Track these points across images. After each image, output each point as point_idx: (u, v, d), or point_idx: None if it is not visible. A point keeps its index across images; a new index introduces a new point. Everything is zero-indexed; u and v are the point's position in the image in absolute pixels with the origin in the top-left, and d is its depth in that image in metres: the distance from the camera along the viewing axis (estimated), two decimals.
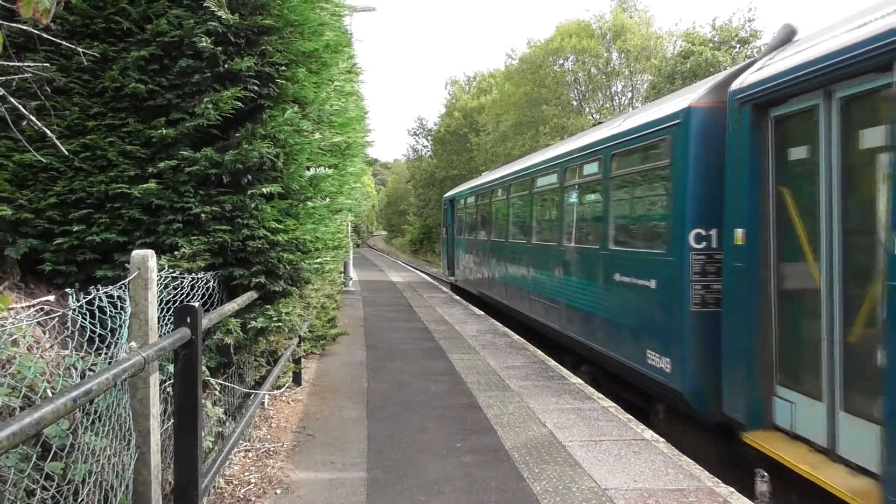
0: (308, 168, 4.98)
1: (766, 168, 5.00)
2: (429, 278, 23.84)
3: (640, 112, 7.68)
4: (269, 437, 5.33)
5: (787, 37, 5.55)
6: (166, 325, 3.25)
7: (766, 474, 4.78)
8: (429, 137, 57.22)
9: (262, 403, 5.88)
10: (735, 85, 5.37)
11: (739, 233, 5.14)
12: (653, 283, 6.41)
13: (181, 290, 3.65)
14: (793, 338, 4.83)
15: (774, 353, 4.94)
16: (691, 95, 6.14)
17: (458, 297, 16.42)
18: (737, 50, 25.26)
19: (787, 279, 4.90)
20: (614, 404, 6.44)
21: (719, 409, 5.40)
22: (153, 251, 2.91)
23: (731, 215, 5.28)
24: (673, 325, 5.96)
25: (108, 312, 2.67)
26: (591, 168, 8.30)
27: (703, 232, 5.72)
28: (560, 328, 9.33)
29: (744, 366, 5.08)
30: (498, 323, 11.98)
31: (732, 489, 4.36)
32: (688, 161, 5.85)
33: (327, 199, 5.49)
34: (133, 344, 2.72)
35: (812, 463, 4.28)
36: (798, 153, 4.83)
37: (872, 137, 4.09)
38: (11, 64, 3.18)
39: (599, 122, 10.73)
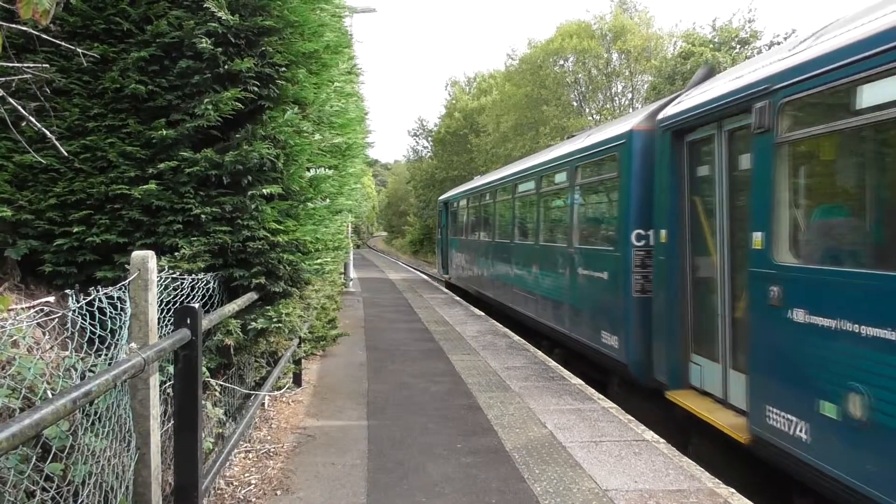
0: (308, 169, 4.98)
1: (683, 181, 6.25)
2: (429, 279, 23.84)
3: (599, 130, 8.98)
4: (269, 437, 5.33)
5: (705, 76, 6.76)
6: (166, 326, 3.25)
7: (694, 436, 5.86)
8: (429, 138, 57.25)
9: (263, 404, 5.88)
10: (661, 114, 6.64)
11: (663, 232, 6.40)
12: (605, 275, 7.67)
13: (181, 291, 3.64)
14: (702, 315, 6.04)
15: (689, 327, 6.16)
16: (633, 120, 7.33)
17: (458, 298, 16.44)
18: (737, 51, 25.29)
19: (698, 269, 6.12)
20: (615, 405, 6.44)
21: (652, 375, 6.64)
22: (153, 252, 2.91)
23: (658, 218, 6.54)
24: (619, 308, 7.18)
25: (108, 313, 2.67)
26: (561, 177, 9.65)
27: (642, 232, 6.94)
28: (536, 317, 10.61)
29: (667, 339, 6.29)
30: (498, 324, 11.98)
31: (733, 490, 4.36)
32: (630, 174, 7.06)
33: (327, 200, 5.49)
34: (133, 345, 2.72)
35: (711, 410, 5.53)
36: (703, 170, 6.08)
37: (745, 161, 5.25)
38: (11, 65, 3.18)
39: (572, 136, 11.70)
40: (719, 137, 5.67)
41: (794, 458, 4.30)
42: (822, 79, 4.16)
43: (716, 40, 26.37)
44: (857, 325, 3.74)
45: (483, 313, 13.46)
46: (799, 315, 4.25)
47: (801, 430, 4.25)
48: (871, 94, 3.82)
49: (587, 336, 8.17)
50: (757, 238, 4.74)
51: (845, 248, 4.27)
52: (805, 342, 4.21)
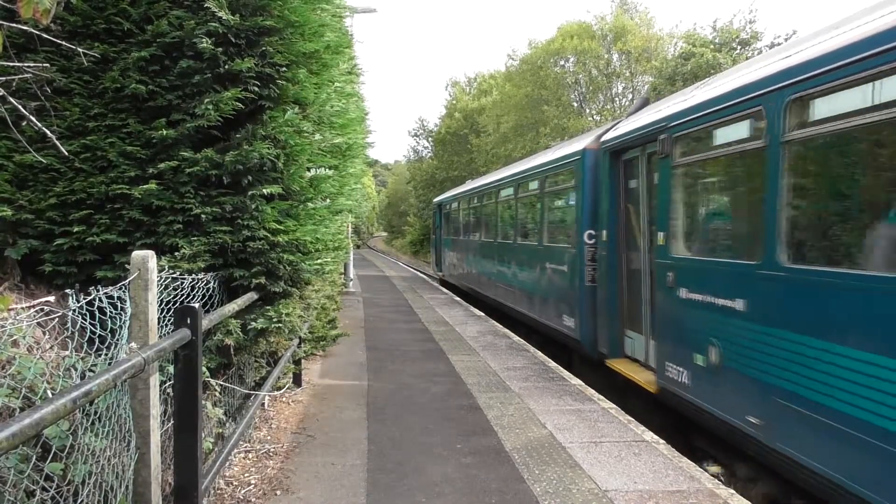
0: (308, 169, 4.98)
1: (619, 191, 7.84)
2: (427, 278, 23.83)
3: (562, 147, 10.88)
4: (269, 438, 5.32)
5: (641, 105, 8.36)
6: (166, 325, 3.25)
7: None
8: (429, 138, 57.24)
9: (263, 404, 5.88)
10: (604, 137, 8.29)
11: (605, 233, 8.01)
12: (566, 268, 9.28)
13: (181, 290, 3.64)
14: (632, 298, 7.56)
15: (624, 308, 7.76)
16: (587, 140, 8.97)
17: (458, 299, 16.46)
18: (738, 51, 25.27)
19: (630, 262, 7.67)
20: (614, 405, 6.44)
21: (598, 349, 8.22)
22: (153, 252, 2.91)
23: (602, 221, 8.11)
24: (575, 295, 8.78)
25: (109, 313, 2.67)
26: (534, 185, 11.33)
27: (593, 232, 8.44)
28: (514, 306, 12.32)
29: (608, 318, 7.91)
30: (498, 325, 11.98)
31: (732, 491, 4.36)
32: (584, 184, 8.60)
33: (328, 201, 5.49)
34: (133, 345, 2.72)
35: (636, 371, 7.09)
36: (633, 184, 7.63)
37: (656, 178, 6.68)
38: (12, 64, 3.18)
39: (549, 147, 14.36)
40: (642, 158, 7.24)
41: (683, 399, 5.78)
42: (696, 122, 5.73)
43: (716, 41, 26.35)
44: (714, 298, 5.27)
45: (483, 314, 13.47)
46: (683, 293, 5.80)
47: (685, 378, 5.74)
48: (723, 135, 5.42)
49: (553, 320, 9.81)
50: (661, 236, 6.32)
51: (712, 245, 5.79)
52: (686, 312, 5.77)
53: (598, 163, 8.33)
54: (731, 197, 5.70)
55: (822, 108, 4.28)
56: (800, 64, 4.40)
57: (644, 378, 6.74)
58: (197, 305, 3.06)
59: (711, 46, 25.54)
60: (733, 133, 5.22)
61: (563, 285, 9.33)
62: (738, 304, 4.93)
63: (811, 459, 4.10)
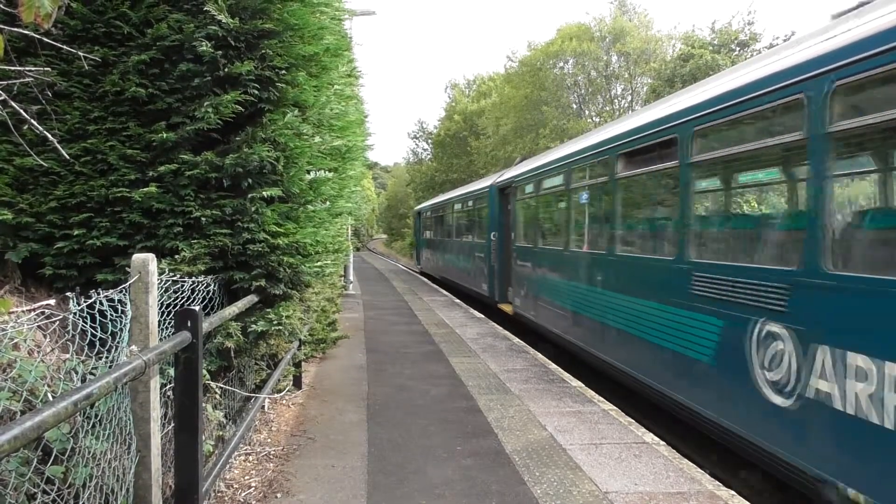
0: (308, 171, 4.98)
1: (502, 211, 14.38)
2: (427, 280, 23.83)
3: (483, 181, 18.50)
4: (269, 440, 5.33)
5: (521, 160, 15.86)
6: (167, 328, 3.26)
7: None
8: (429, 140, 57.27)
9: (263, 407, 5.88)
10: (495, 179, 15.60)
11: (495, 234, 14.75)
12: (483, 254, 15.92)
13: (182, 293, 3.65)
14: (508, 269, 13.48)
15: (506, 275, 13.85)
16: (493, 178, 16.19)
17: (458, 301, 16.49)
18: (736, 53, 25.30)
19: (507, 250, 13.71)
20: (615, 407, 6.44)
21: (496, 300, 14.49)
22: (154, 255, 2.91)
23: (496, 227, 14.76)
24: (488, 270, 15.21)
25: (109, 316, 2.68)
26: (468, 204, 18.72)
27: (496, 233, 14.70)
28: (459, 281, 19.56)
29: (500, 281, 14.39)
30: (498, 326, 12.00)
31: (733, 492, 4.36)
32: (492, 205, 15.16)
33: (327, 203, 5.50)
34: (134, 347, 2.73)
35: (509, 308, 13.28)
36: (508, 206, 13.81)
37: (512, 204, 13.39)
38: (12, 68, 3.19)
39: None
40: (512, 193, 13.28)
41: (523, 315, 11.83)
42: (523, 180, 12.23)
43: (715, 42, 26.39)
44: (523, 262, 11.90)
45: (483, 315, 13.50)
46: (517, 263, 12.38)
47: (523, 305, 11.87)
48: (530, 188, 11.72)
49: (479, 287, 16.39)
50: (513, 235, 13.00)
51: (527, 238, 11.91)
52: (520, 272, 12.07)
53: (493, 194, 15.05)
54: (535, 216, 11.61)
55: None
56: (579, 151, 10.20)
57: (511, 310, 12.96)
58: (197, 308, 3.06)
59: (710, 48, 25.58)
60: (543, 185, 10.88)
61: (481, 265, 16.20)
62: (528, 265, 11.54)
63: (554, 328, 10.03)
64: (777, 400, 4.37)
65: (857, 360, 3.69)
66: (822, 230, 4.03)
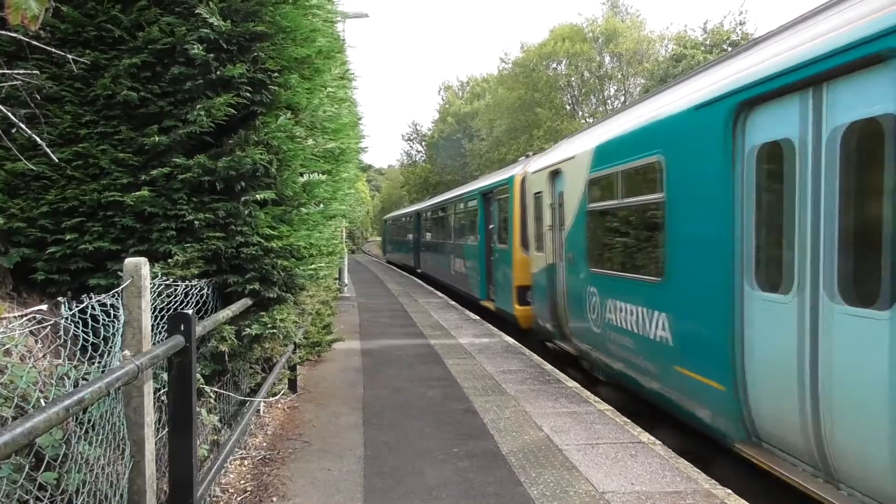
0: (302, 174, 4.97)
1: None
2: (422, 281, 23.80)
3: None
4: (264, 444, 5.30)
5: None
6: (160, 333, 3.24)
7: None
8: (423, 142, 57.32)
9: (258, 411, 5.86)
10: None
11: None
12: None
13: (175, 297, 3.63)
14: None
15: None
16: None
17: (453, 303, 16.50)
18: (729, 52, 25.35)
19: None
20: (611, 407, 6.45)
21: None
22: (146, 259, 2.90)
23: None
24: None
25: (102, 321, 2.66)
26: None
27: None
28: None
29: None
30: (493, 327, 11.99)
31: (730, 491, 4.37)
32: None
33: (321, 205, 5.48)
34: (126, 352, 2.71)
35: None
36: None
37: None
38: (1, 72, 3.17)
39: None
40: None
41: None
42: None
43: (707, 42, 26.51)
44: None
45: (479, 317, 13.50)
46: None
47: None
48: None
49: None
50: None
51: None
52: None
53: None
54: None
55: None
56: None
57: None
58: (191, 312, 3.05)
59: (702, 48, 25.68)
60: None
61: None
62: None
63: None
64: None
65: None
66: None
